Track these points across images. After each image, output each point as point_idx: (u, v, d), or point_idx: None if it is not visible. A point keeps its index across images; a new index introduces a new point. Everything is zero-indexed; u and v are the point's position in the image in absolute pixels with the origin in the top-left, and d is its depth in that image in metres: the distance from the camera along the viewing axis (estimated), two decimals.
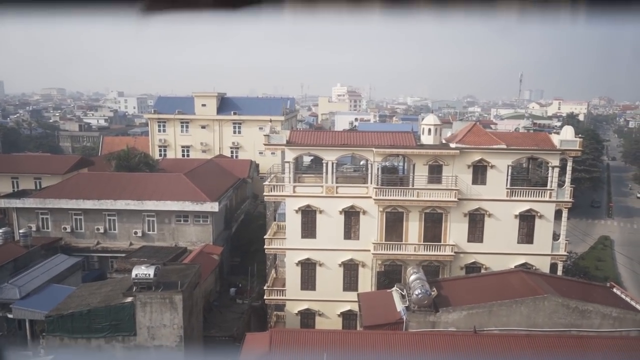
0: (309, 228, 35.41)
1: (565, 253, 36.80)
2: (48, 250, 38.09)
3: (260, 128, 61.72)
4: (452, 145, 35.25)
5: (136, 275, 26.60)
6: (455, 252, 34.90)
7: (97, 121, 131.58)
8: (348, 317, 35.80)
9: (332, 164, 34.83)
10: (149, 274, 26.49)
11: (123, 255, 38.67)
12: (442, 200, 34.52)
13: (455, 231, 35.08)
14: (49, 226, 41.88)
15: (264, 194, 36.41)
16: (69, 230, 41.52)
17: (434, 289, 27.25)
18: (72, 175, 46.92)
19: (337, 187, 35.12)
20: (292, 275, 36.09)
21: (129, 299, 26.54)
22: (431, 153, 34.65)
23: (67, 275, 34.99)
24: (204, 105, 69.02)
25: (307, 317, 36.28)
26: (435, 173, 34.74)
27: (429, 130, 36.64)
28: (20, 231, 38.52)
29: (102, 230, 41.46)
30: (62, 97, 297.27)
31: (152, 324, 26.27)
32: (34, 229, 40.79)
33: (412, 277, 28.21)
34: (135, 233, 41.16)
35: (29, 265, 34.20)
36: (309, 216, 35.33)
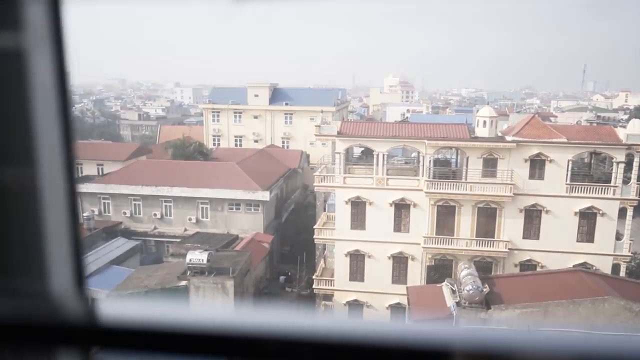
0: (358, 219, 35.34)
1: (629, 254, 34.83)
2: (109, 233, 40.03)
3: (312, 119, 61.96)
4: (509, 138, 34.07)
5: (190, 260, 27.56)
6: (509, 249, 33.83)
7: (155, 111, 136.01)
8: (396, 311, 35.59)
9: (383, 155, 34.50)
10: (203, 259, 27.38)
11: (178, 240, 40.08)
12: (496, 195, 33.49)
13: (510, 227, 33.97)
14: (110, 210, 43.97)
15: (314, 184, 36.61)
16: (128, 215, 43.45)
17: (486, 285, 26.56)
18: (132, 163, 49.02)
19: (387, 179, 34.79)
20: (341, 265, 36.21)
21: (184, 283, 27.55)
22: (486, 146, 33.63)
23: (127, 258, 36.64)
24: (256, 95, 69.94)
25: (355, 309, 36.35)
26: (489, 166, 33.72)
27: (484, 122, 35.51)
28: (84, 214, 40.61)
29: (158, 216, 43.10)
30: (123, 87, 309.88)
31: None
32: (96, 212, 42.93)
33: (464, 273, 27.62)
34: (190, 219, 42.52)
35: (92, 247, 36.10)
36: (358, 207, 35.24)
